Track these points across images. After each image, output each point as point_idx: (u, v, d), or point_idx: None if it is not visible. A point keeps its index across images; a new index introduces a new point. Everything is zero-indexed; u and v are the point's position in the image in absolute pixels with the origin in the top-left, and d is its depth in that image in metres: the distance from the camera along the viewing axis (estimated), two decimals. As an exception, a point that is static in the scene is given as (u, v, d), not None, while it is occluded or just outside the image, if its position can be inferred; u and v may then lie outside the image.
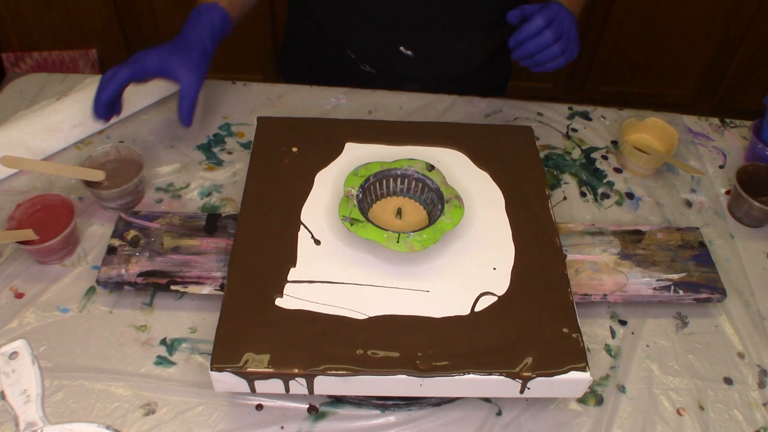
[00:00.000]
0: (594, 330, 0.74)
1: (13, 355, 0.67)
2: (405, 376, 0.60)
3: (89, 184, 0.78)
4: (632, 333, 0.74)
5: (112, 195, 0.78)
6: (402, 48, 0.97)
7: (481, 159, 0.79)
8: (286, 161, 0.77)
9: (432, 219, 0.72)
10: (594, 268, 0.75)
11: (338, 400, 0.66)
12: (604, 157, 0.93)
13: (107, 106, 0.77)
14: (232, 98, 0.96)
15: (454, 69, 1.00)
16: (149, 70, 0.78)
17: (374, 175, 0.73)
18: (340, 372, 0.59)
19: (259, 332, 0.61)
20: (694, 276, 0.76)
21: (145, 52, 0.78)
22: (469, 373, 0.60)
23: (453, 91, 1.00)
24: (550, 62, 0.80)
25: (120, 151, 0.81)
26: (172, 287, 0.71)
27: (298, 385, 0.60)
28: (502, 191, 0.76)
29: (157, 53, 0.78)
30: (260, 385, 0.60)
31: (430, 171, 0.74)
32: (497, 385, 0.61)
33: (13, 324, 0.70)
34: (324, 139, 0.80)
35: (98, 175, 0.78)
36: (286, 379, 0.60)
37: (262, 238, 0.69)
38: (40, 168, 0.79)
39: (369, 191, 0.74)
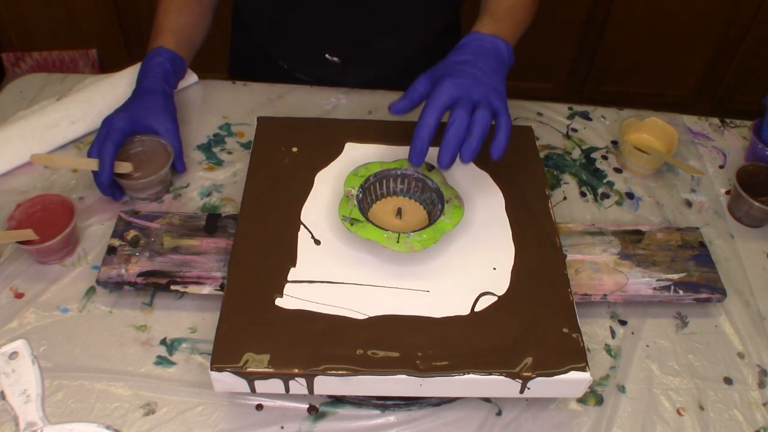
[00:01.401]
0: (594, 330, 0.74)
1: (13, 355, 0.67)
2: (405, 376, 0.60)
3: (118, 175, 0.79)
4: (632, 333, 0.74)
5: (142, 185, 0.79)
6: (328, 55, 0.98)
7: (481, 159, 0.79)
8: (286, 161, 0.77)
9: (432, 219, 0.72)
10: (594, 268, 0.75)
11: (338, 400, 0.66)
12: (604, 157, 0.93)
13: (111, 185, 0.78)
14: (232, 98, 0.96)
15: (382, 72, 1.01)
16: (126, 133, 0.79)
17: (374, 175, 0.73)
18: (340, 372, 0.59)
19: (259, 332, 0.61)
20: (694, 276, 0.76)
21: (114, 118, 0.79)
22: (469, 373, 0.60)
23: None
24: (478, 141, 0.66)
25: (144, 143, 0.82)
26: (172, 287, 0.71)
27: (298, 385, 0.60)
28: (502, 191, 0.76)
29: (125, 114, 0.79)
30: (260, 385, 0.60)
31: (430, 171, 0.74)
32: (497, 385, 0.61)
33: (13, 324, 0.70)
34: (324, 139, 0.80)
35: (126, 167, 0.79)
36: (286, 379, 0.60)
37: (262, 238, 0.69)
38: (69, 163, 0.80)
39: (369, 191, 0.74)
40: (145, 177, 0.79)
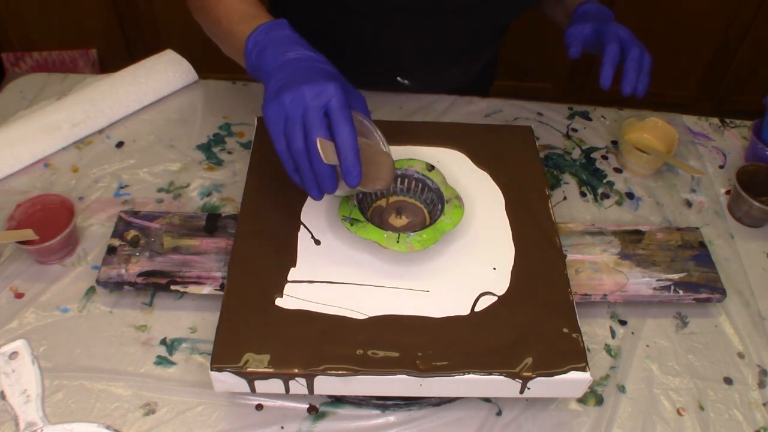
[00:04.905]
0: (594, 330, 0.74)
1: (13, 355, 0.67)
2: (405, 376, 0.60)
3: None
4: (632, 333, 0.74)
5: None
6: (399, 78, 0.98)
7: (481, 159, 0.79)
8: (286, 161, 0.77)
9: (432, 219, 0.72)
10: (594, 268, 0.75)
11: (338, 400, 0.66)
12: (604, 157, 0.93)
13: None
14: (232, 98, 0.96)
15: (447, 88, 1.02)
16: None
17: (374, 175, 0.73)
18: (340, 372, 0.59)
19: (259, 332, 0.61)
20: (694, 276, 0.76)
21: (328, 90, 0.59)
22: (469, 373, 0.60)
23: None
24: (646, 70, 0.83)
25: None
26: (172, 287, 0.71)
27: (298, 385, 0.60)
28: (502, 191, 0.76)
29: (339, 83, 0.61)
30: (260, 385, 0.60)
31: (430, 171, 0.74)
32: (497, 385, 0.61)
33: (13, 324, 0.69)
34: (324, 139, 0.79)
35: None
36: (286, 379, 0.60)
37: (262, 238, 0.69)
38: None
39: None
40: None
